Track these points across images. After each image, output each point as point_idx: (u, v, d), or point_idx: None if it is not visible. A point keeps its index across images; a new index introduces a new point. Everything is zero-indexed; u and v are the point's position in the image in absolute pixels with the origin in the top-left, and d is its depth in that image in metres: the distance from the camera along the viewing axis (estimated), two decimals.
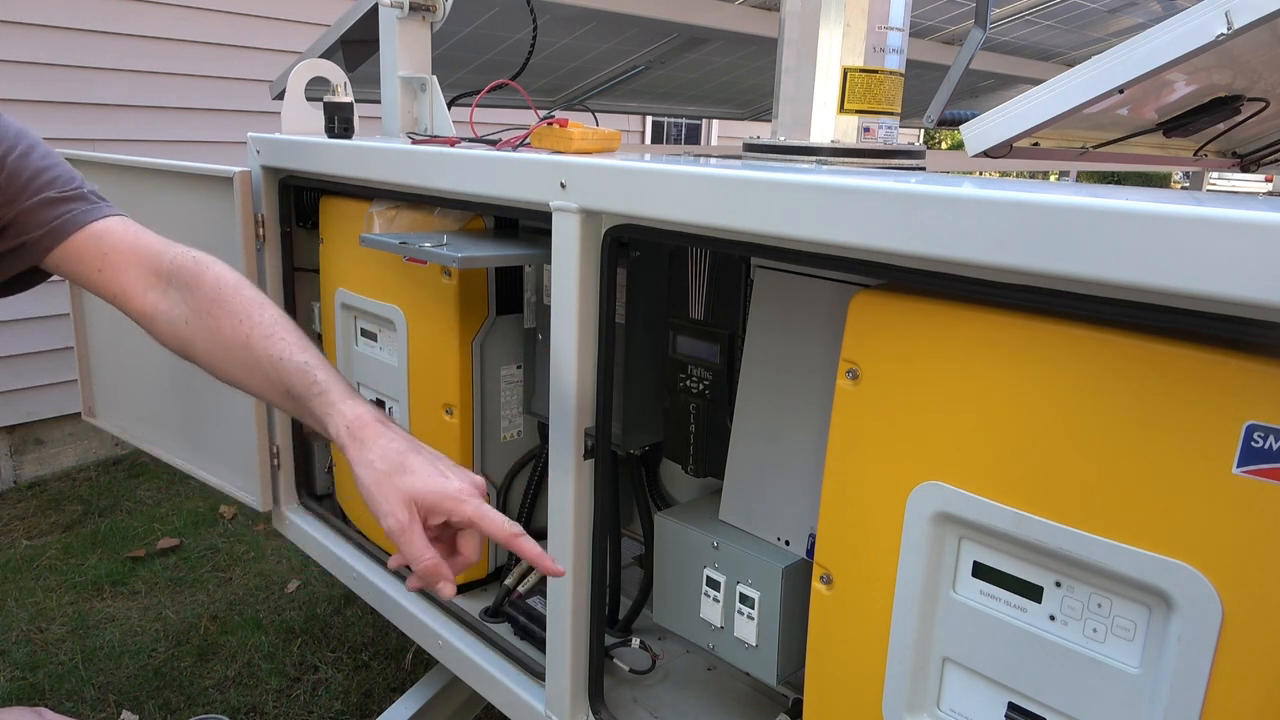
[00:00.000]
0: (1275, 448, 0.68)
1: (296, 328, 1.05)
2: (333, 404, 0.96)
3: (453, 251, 1.29)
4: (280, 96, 1.86)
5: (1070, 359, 0.78)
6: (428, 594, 1.62)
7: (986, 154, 1.17)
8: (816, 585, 1.00)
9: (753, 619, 1.22)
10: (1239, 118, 1.59)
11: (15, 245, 1.08)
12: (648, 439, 1.45)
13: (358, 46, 2.04)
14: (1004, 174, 4.93)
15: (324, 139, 1.60)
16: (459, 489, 0.91)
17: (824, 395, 1.11)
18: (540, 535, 1.56)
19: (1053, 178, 4.79)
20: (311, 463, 1.96)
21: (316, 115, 1.72)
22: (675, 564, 1.32)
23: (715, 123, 7.05)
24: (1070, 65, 1.44)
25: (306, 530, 1.87)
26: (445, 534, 0.94)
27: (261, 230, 1.74)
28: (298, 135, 1.70)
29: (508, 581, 1.57)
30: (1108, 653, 0.80)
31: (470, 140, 1.46)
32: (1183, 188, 5.72)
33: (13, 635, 2.47)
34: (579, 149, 1.21)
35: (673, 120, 7.27)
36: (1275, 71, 1.38)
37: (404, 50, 1.76)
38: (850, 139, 1.31)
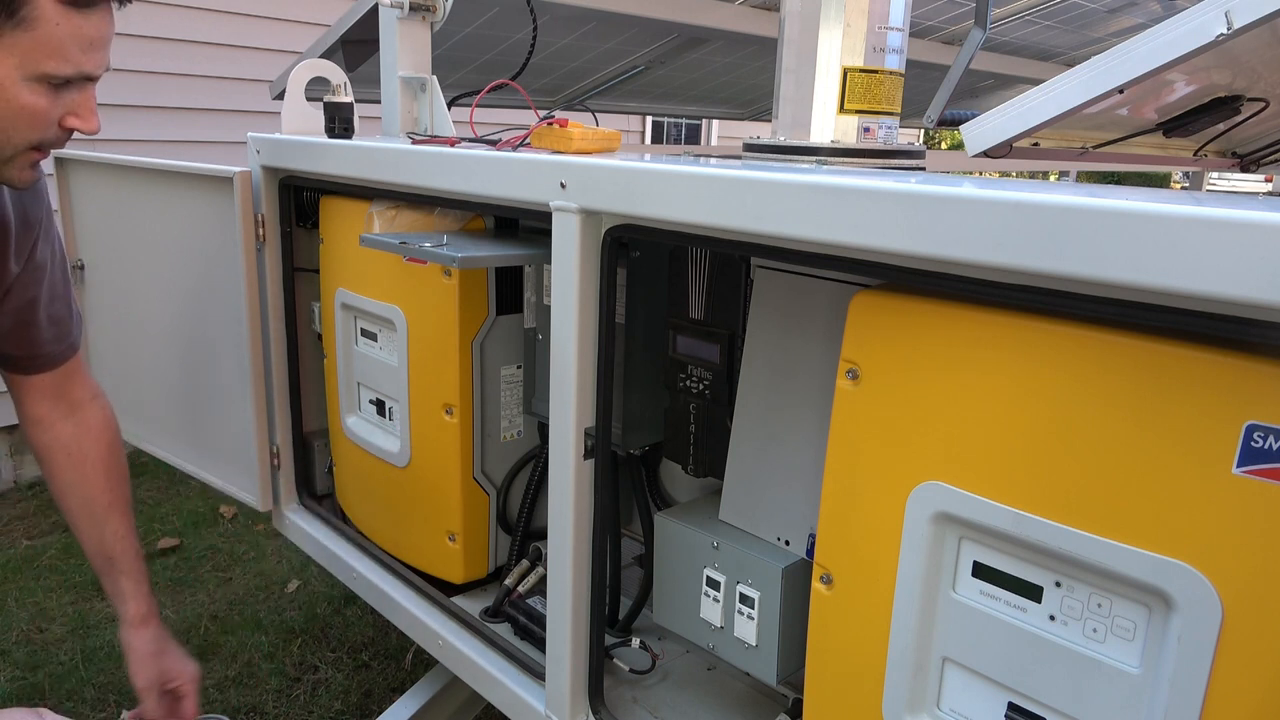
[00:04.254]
0: (1275, 448, 0.68)
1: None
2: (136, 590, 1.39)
3: (453, 251, 1.29)
4: (280, 96, 1.86)
5: (1070, 359, 0.78)
6: (428, 594, 1.62)
7: (986, 154, 1.18)
8: (816, 585, 1.00)
9: (753, 619, 1.22)
10: (1239, 118, 1.59)
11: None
12: (648, 439, 1.45)
13: (358, 46, 2.04)
14: (1004, 174, 4.93)
15: (324, 139, 1.60)
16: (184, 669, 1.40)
17: (824, 395, 1.11)
18: (540, 535, 1.57)
19: (1053, 178, 4.79)
20: (311, 463, 1.96)
21: (316, 115, 1.72)
22: (675, 564, 1.32)
23: (715, 123, 7.05)
24: (1070, 65, 1.44)
25: (306, 530, 1.87)
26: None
27: (261, 230, 1.74)
28: (298, 135, 1.70)
29: (508, 581, 1.57)
30: (1108, 653, 0.80)
31: (470, 140, 1.46)
32: (1183, 188, 5.71)
33: (13, 635, 2.47)
34: (579, 149, 1.21)
35: (673, 120, 7.27)
36: (1275, 71, 1.38)
37: (404, 50, 1.76)
38: (850, 139, 1.31)
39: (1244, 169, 2.34)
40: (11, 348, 1.29)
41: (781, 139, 1.34)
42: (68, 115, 1.03)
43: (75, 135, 1.06)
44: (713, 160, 1.17)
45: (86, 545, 1.38)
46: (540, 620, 1.45)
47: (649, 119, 6.49)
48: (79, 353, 1.37)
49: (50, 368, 1.32)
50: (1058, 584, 0.83)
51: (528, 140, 1.30)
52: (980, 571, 0.88)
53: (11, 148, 1.01)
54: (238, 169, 1.70)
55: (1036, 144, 1.32)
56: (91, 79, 1.03)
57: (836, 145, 1.30)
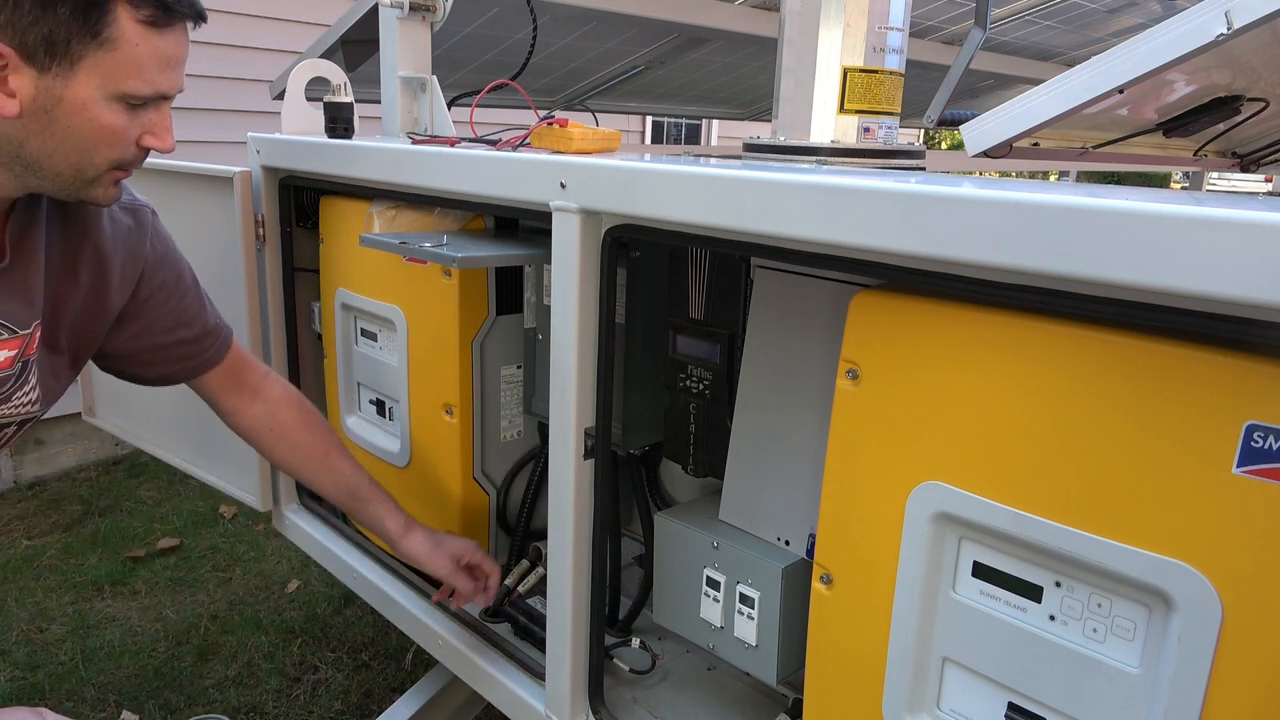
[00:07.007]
0: (1275, 448, 0.68)
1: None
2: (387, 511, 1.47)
3: (453, 251, 1.29)
4: (280, 96, 1.86)
5: (1070, 359, 0.78)
6: (427, 594, 1.62)
7: (986, 154, 1.17)
8: (816, 585, 1.00)
9: (753, 619, 1.22)
10: (1239, 118, 1.59)
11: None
12: (648, 439, 1.45)
13: (358, 46, 2.04)
14: (1004, 174, 4.93)
15: (324, 139, 1.60)
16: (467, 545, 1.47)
17: (824, 395, 1.11)
18: (540, 535, 1.56)
19: (1053, 178, 4.79)
20: None
21: (316, 115, 1.72)
22: (675, 564, 1.32)
23: (715, 123, 7.05)
24: (1070, 65, 1.44)
25: (306, 530, 1.87)
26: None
27: (261, 230, 1.74)
28: (298, 135, 1.70)
29: (508, 581, 1.57)
30: (1108, 653, 0.80)
31: (470, 140, 1.46)
32: (1183, 188, 5.72)
33: (13, 635, 2.47)
34: (579, 149, 1.21)
35: (673, 120, 7.27)
36: (1275, 71, 1.38)
37: (404, 50, 1.76)
38: (850, 139, 1.31)
39: (1244, 169, 2.34)
40: (162, 368, 1.37)
41: (781, 139, 1.34)
42: (144, 134, 1.05)
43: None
44: (713, 160, 1.17)
45: (328, 492, 1.49)
46: (540, 620, 1.45)
47: (649, 119, 6.49)
48: (233, 347, 1.43)
49: (207, 370, 1.40)
50: (1058, 584, 0.83)
51: (528, 140, 1.30)
52: (980, 571, 0.88)
53: (94, 168, 1.04)
54: (238, 169, 1.70)
55: (1036, 144, 1.32)
56: (167, 98, 1.05)
57: (836, 145, 1.30)
